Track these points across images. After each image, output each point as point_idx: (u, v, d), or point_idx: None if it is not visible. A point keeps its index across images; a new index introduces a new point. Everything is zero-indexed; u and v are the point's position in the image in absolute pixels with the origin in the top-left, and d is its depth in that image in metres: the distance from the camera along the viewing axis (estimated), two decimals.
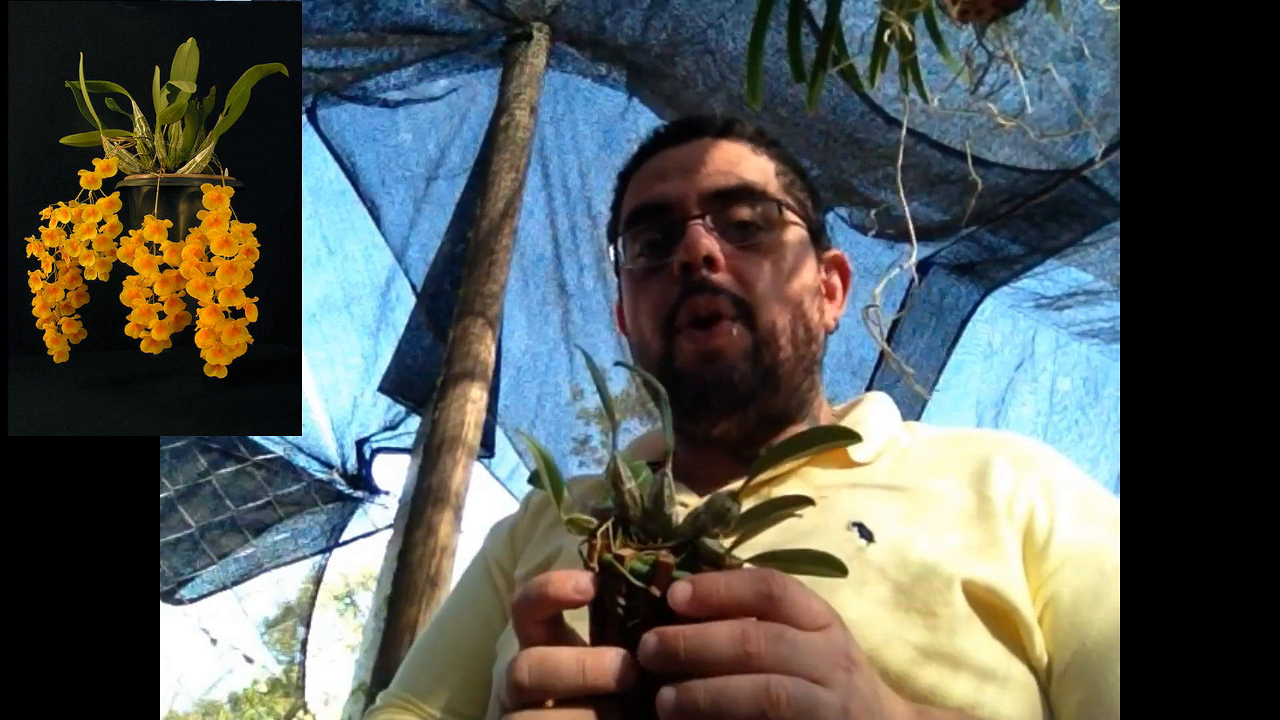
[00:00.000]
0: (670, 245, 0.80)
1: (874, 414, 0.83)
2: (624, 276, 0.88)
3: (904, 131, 0.83)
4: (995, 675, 0.61)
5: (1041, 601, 0.65)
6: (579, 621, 0.49)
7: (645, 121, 2.48)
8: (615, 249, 0.88)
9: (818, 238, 0.87)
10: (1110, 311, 2.57)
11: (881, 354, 2.69)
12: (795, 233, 0.84)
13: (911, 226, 0.87)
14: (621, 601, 0.45)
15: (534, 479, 0.53)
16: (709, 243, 0.78)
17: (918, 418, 2.81)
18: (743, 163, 0.84)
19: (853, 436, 0.49)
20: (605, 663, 0.44)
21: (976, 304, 2.69)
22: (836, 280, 0.90)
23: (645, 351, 0.83)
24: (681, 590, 0.44)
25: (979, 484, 0.71)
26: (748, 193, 0.82)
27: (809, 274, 0.84)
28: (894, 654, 0.60)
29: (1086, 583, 0.65)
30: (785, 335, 0.79)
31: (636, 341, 0.85)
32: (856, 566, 0.64)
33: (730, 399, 0.77)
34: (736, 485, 0.49)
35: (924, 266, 2.62)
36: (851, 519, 0.68)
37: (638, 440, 0.91)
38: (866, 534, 0.66)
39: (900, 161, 0.89)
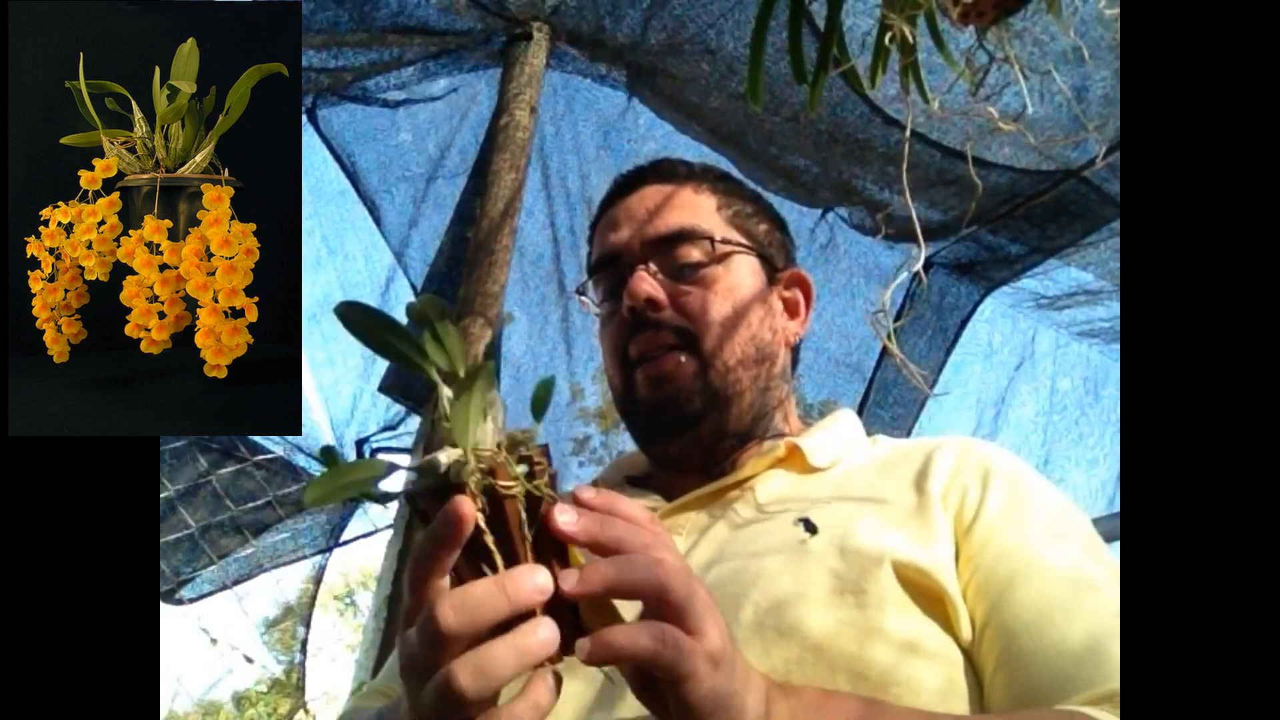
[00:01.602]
0: (623, 290, 0.87)
1: (832, 427, 0.89)
2: (596, 319, 0.96)
3: (908, 133, 0.83)
4: (923, 650, 0.65)
5: (967, 576, 0.70)
6: None
7: (645, 121, 2.48)
8: (587, 296, 0.97)
9: (771, 260, 0.93)
10: (1110, 311, 2.57)
11: (881, 354, 2.68)
12: (740, 261, 0.90)
13: (919, 229, 0.88)
14: (522, 515, 0.47)
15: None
16: (648, 287, 0.86)
17: (918, 417, 2.81)
18: (683, 206, 0.91)
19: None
20: (521, 579, 0.46)
21: (976, 304, 2.69)
22: (798, 296, 0.96)
23: (612, 386, 0.92)
24: (580, 649, 0.46)
25: (920, 480, 0.77)
26: (685, 235, 0.89)
27: (758, 298, 0.90)
28: (824, 628, 0.65)
29: (1006, 556, 0.69)
30: (734, 357, 0.85)
31: (608, 378, 0.93)
32: (798, 554, 0.71)
33: (678, 420, 0.84)
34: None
35: (924, 266, 2.62)
36: (799, 516, 0.75)
37: (617, 462, 0.99)
38: (811, 527, 0.73)
39: (905, 163, 0.89)
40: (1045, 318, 2.71)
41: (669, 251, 0.88)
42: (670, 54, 2.18)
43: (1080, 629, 0.64)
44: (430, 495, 0.47)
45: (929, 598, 0.68)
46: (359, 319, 0.50)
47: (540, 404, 0.52)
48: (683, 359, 0.84)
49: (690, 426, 0.85)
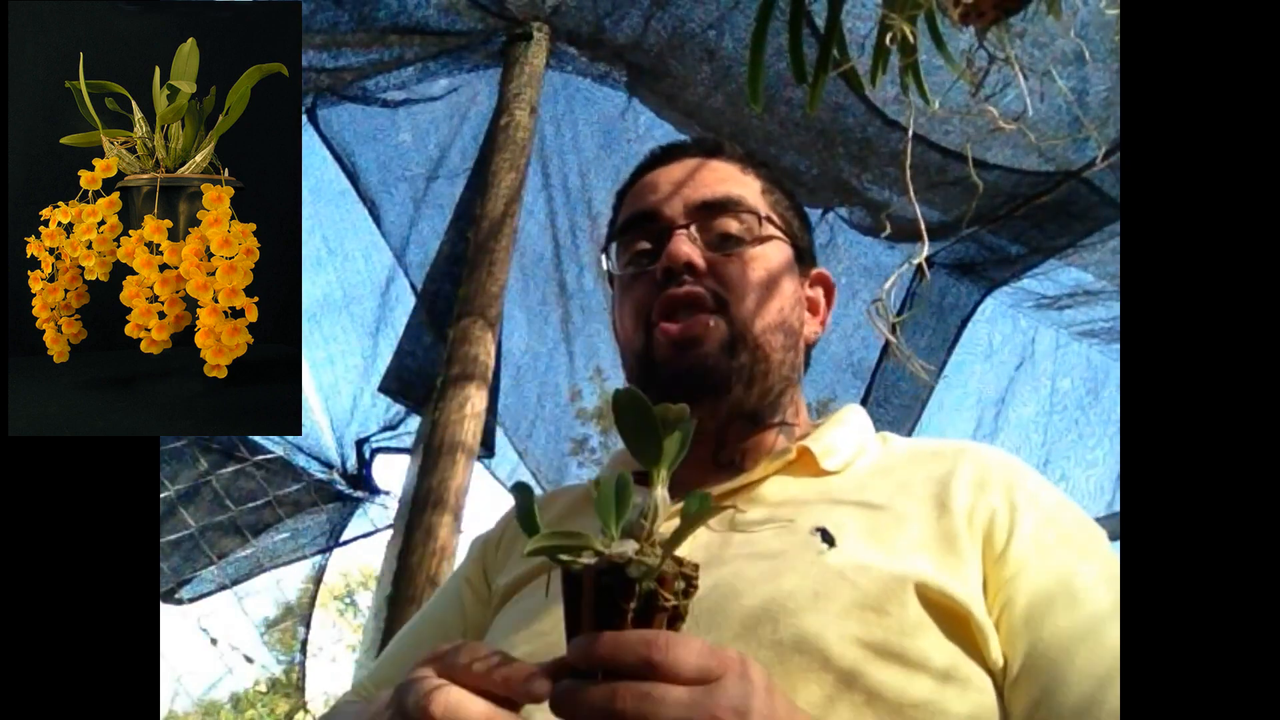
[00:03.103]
0: (657, 253, 0.84)
1: (843, 427, 0.86)
2: (615, 284, 0.92)
3: (909, 133, 0.83)
4: (952, 677, 0.63)
5: (999, 606, 0.67)
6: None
7: (645, 121, 2.47)
8: (608, 258, 0.92)
9: (802, 255, 0.91)
10: (1110, 311, 2.57)
11: (882, 354, 2.68)
12: (778, 246, 0.88)
13: (923, 225, 0.88)
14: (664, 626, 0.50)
15: (523, 510, 0.55)
16: (689, 249, 0.82)
17: (918, 418, 2.81)
18: (730, 179, 0.89)
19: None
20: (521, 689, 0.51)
21: (976, 304, 2.69)
22: (820, 296, 0.94)
23: (629, 348, 0.87)
24: (577, 645, 0.50)
25: (942, 494, 0.74)
26: (732, 205, 0.86)
27: (790, 285, 0.87)
28: (846, 651, 0.63)
29: (1041, 586, 0.67)
30: (764, 335, 0.83)
31: (623, 342, 0.89)
32: (816, 568, 0.68)
33: (704, 385, 0.80)
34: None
35: (925, 265, 2.61)
36: (816, 525, 0.72)
37: (616, 456, 0.96)
38: (829, 539, 0.70)
39: (908, 162, 0.89)
40: (1045, 318, 2.71)
41: (711, 219, 0.85)
42: (670, 54, 2.18)
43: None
44: (597, 574, 0.50)
45: (954, 621, 0.66)
46: (625, 405, 0.54)
47: (699, 520, 0.54)
48: (712, 322, 0.81)
49: (714, 396, 0.81)
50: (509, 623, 0.78)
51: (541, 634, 0.72)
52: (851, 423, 0.87)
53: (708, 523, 0.77)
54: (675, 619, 0.51)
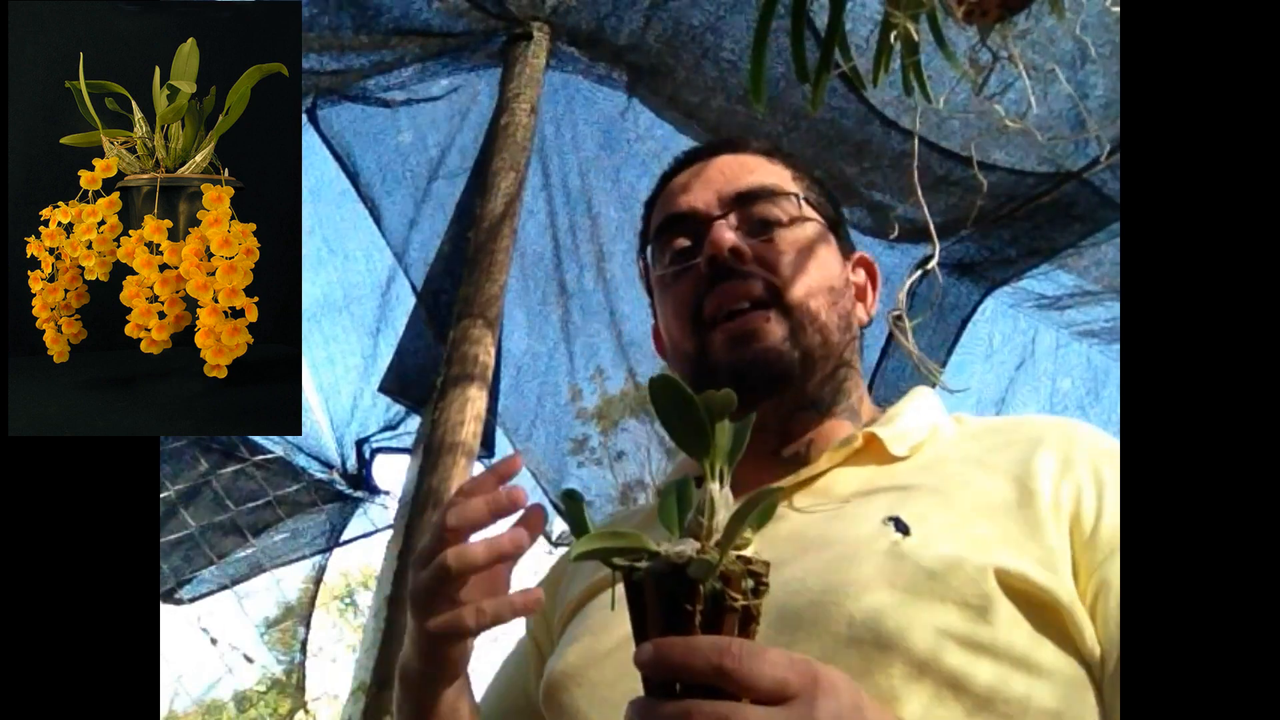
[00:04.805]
0: (697, 249, 0.82)
1: (911, 409, 0.83)
2: (655, 285, 0.89)
3: (915, 133, 0.83)
4: (1037, 666, 0.61)
5: (1092, 591, 0.64)
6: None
7: (645, 121, 2.47)
8: (645, 263, 0.90)
9: (841, 236, 0.89)
10: (1110, 311, 2.57)
11: (882, 354, 2.68)
12: (816, 228, 0.85)
13: (933, 227, 0.87)
14: (735, 628, 0.48)
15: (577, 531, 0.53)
16: (732, 236, 0.80)
17: None
18: (759, 169, 0.87)
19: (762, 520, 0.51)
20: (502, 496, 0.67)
21: (977, 304, 2.69)
22: (865, 281, 0.92)
23: (678, 353, 0.85)
24: (644, 651, 0.47)
25: (1022, 474, 0.70)
26: (767, 191, 0.84)
27: (835, 266, 0.85)
28: (922, 639, 0.60)
29: None
30: (821, 318, 0.80)
31: (670, 347, 0.87)
32: (892, 559, 0.65)
33: (767, 377, 0.78)
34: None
35: (931, 266, 2.62)
36: (888, 513, 0.68)
37: (680, 463, 0.92)
38: (903, 527, 0.67)
39: (915, 163, 0.89)
40: (1045, 318, 2.71)
41: (748, 208, 0.83)
42: (670, 54, 2.18)
43: None
44: (657, 577, 0.48)
45: (1042, 610, 0.63)
46: (660, 392, 0.52)
47: (765, 516, 0.50)
48: (771, 315, 0.78)
49: (778, 388, 0.78)
50: (570, 638, 0.76)
51: (605, 647, 0.70)
52: (921, 405, 0.83)
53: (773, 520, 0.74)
54: (748, 620, 0.48)
